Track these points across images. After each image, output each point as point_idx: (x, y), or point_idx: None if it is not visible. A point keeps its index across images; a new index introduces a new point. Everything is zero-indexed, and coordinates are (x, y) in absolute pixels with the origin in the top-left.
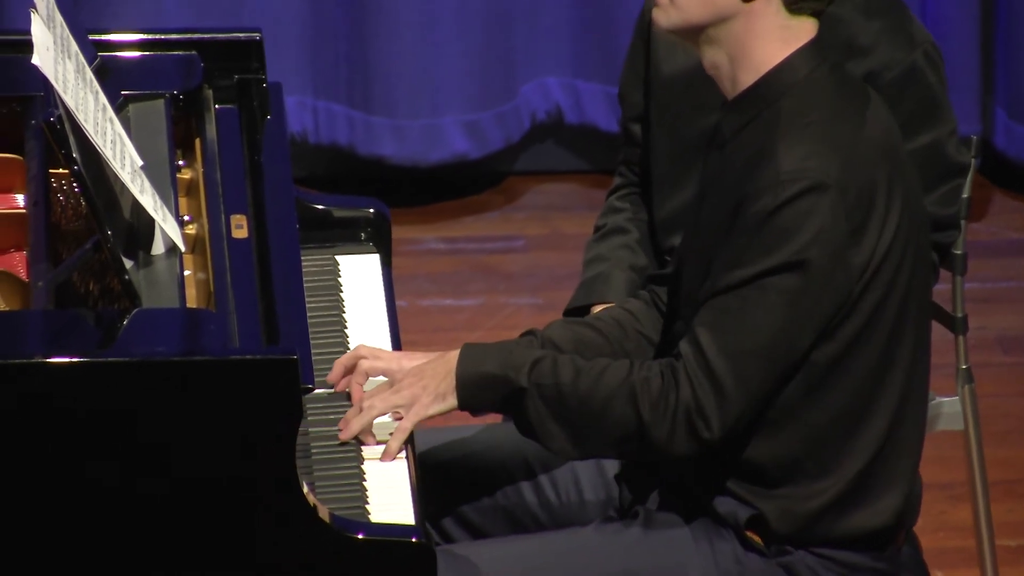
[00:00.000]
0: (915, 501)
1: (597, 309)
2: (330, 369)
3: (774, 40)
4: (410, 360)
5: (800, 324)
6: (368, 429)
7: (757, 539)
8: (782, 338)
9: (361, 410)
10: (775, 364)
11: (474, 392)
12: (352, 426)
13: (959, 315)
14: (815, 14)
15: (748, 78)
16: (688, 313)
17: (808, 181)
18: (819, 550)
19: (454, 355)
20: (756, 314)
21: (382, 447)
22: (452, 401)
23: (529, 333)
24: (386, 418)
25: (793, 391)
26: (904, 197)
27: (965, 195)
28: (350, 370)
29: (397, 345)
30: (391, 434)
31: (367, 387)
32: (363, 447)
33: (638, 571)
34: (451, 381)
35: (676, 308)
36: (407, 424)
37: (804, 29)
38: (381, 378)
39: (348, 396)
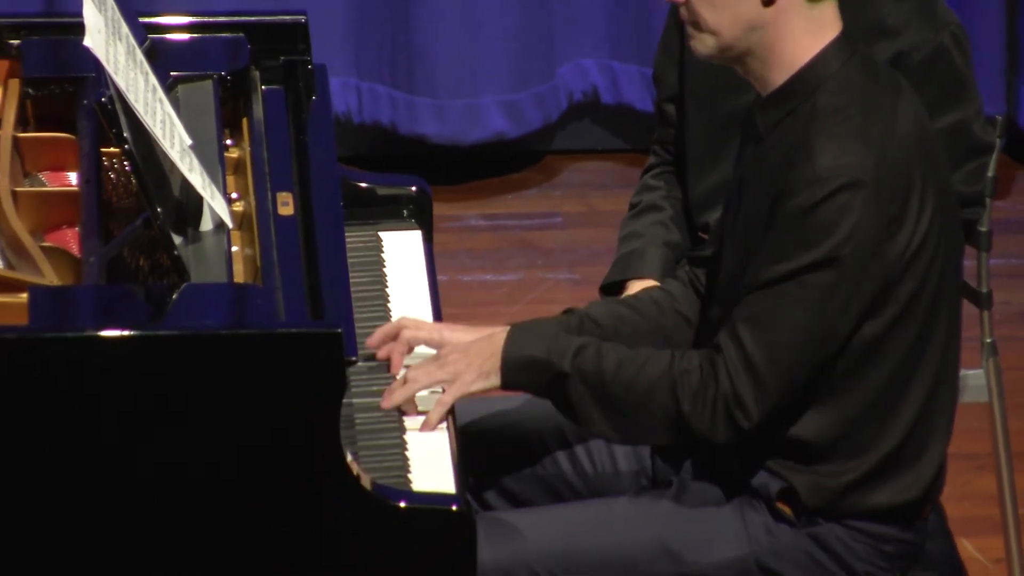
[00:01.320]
0: (941, 476)
1: (632, 284)
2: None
3: (802, 35)
4: (451, 332)
5: (836, 315)
6: (411, 400)
7: (788, 510)
8: (818, 330)
9: (405, 382)
10: (813, 355)
11: (518, 373)
12: (395, 397)
13: (984, 290)
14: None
15: (781, 76)
16: (724, 298)
17: (844, 179)
18: (848, 522)
19: (501, 336)
20: (794, 309)
21: (423, 418)
22: (495, 380)
23: (569, 311)
24: (427, 392)
25: (834, 375)
26: (937, 188)
27: (990, 174)
28: (391, 338)
29: (438, 319)
30: (433, 406)
31: (410, 359)
32: (405, 417)
33: (671, 540)
34: (496, 361)
35: (713, 291)
36: (448, 398)
37: (829, 19)
38: (423, 349)
39: (389, 367)
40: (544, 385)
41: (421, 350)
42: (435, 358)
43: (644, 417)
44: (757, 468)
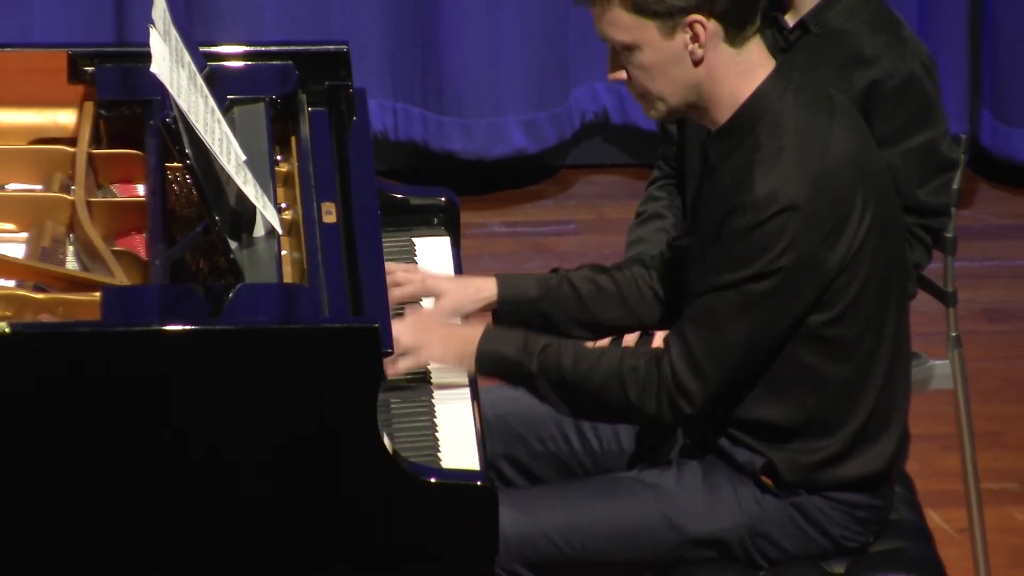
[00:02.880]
0: (904, 448)
1: None
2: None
3: (735, 78)
4: (434, 280)
5: (772, 320)
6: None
7: (771, 483)
8: (755, 332)
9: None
10: (750, 352)
11: (489, 365)
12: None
13: (950, 290)
14: (758, 32)
15: (724, 114)
16: (687, 306)
17: (780, 204)
18: (824, 492)
19: (478, 332)
20: (733, 312)
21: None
22: (469, 365)
23: (555, 270)
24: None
25: (797, 367)
26: (877, 196)
27: (955, 187)
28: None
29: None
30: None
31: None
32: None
33: (673, 512)
34: (471, 350)
35: (680, 298)
36: (413, 362)
37: (758, 59)
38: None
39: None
40: (512, 378)
41: (427, 303)
42: (418, 332)
43: (600, 406)
44: (740, 444)
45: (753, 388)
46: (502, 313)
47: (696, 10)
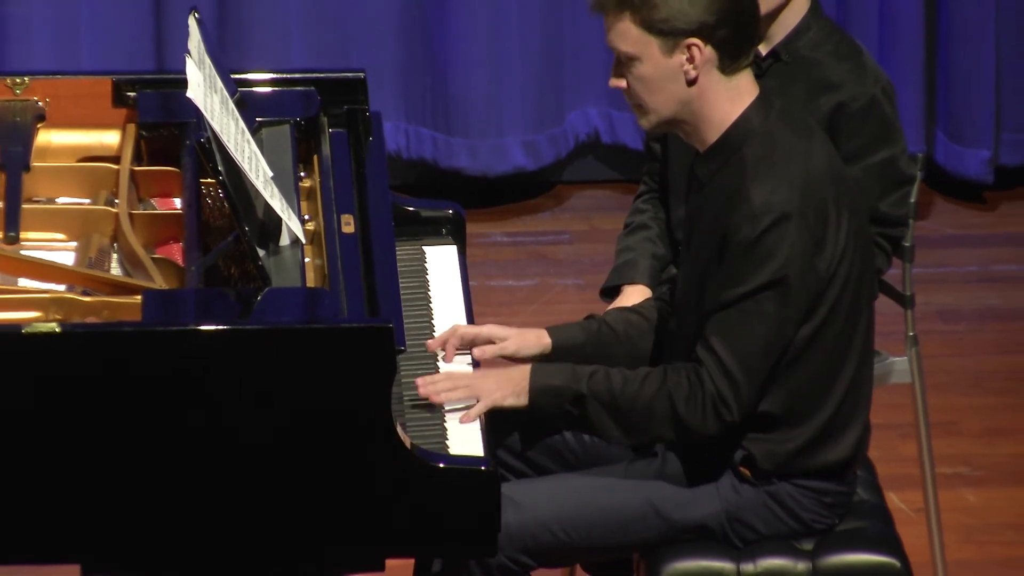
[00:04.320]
0: (866, 438)
1: (626, 288)
2: (419, 335)
3: (724, 102)
4: (493, 329)
5: (786, 322)
6: (441, 395)
7: (748, 474)
8: (775, 335)
9: (451, 383)
10: (772, 355)
11: (542, 396)
12: (431, 389)
13: (908, 293)
14: (748, 66)
15: (712, 135)
16: (680, 313)
17: (776, 213)
18: (795, 480)
19: (527, 369)
20: (754, 321)
21: (458, 413)
22: (524, 400)
23: (590, 317)
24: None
25: (779, 366)
26: (850, 210)
27: (912, 200)
28: (446, 339)
29: (470, 316)
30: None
31: (457, 364)
32: (446, 414)
33: (659, 501)
34: (524, 386)
35: (672, 308)
36: (482, 407)
37: (745, 86)
38: (464, 367)
39: (432, 356)
40: (565, 406)
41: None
42: (477, 376)
43: (648, 423)
44: (723, 441)
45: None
46: (555, 358)
47: (696, 35)
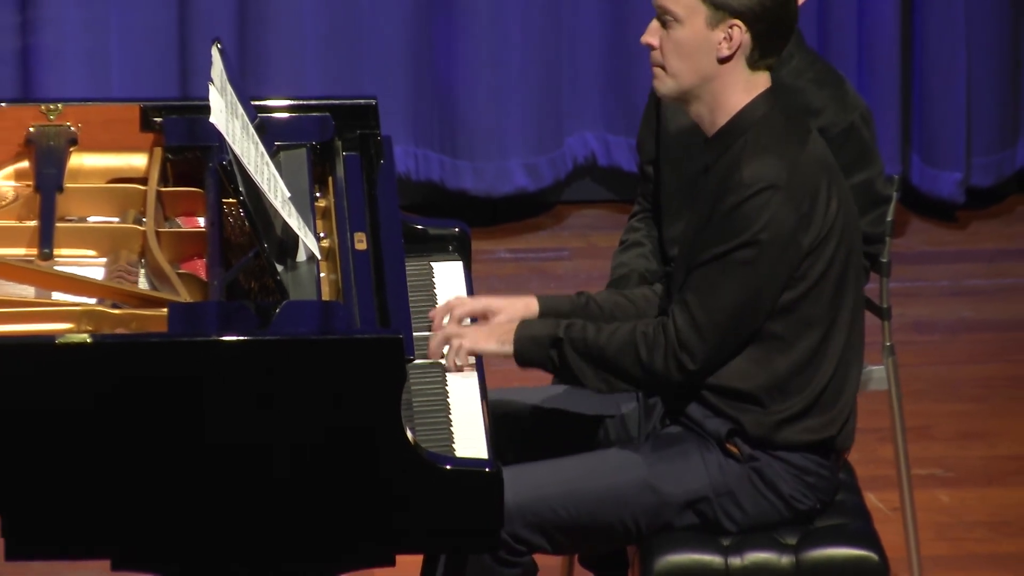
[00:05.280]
0: (852, 421)
1: None
2: (427, 346)
3: (740, 91)
4: (490, 299)
5: (758, 287)
6: (439, 350)
7: (734, 450)
8: (744, 299)
9: (447, 339)
10: (742, 314)
11: (525, 344)
12: (432, 346)
13: (885, 306)
14: (768, 68)
15: (722, 120)
16: (677, 291)
17: (763, 183)
18: (780, 454)
19: (515, 322)
20: (725, 279)
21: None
22: (508, 348)
23: (580, 293)
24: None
25: (767, 341)
26: (840, 195)
27: (889, 219)
28: (446, 312)
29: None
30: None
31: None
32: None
33: (651, 477)
34: (510, 335)
35: (670, 289)
36: (468, 347)
37: (761, 80)
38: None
39: (439, 365)
40: (546, 353)
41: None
42: (468, 328)
43: (618, 368)
44: (712, 410)
45: (733, 358)
46: None
47: (741, 18)
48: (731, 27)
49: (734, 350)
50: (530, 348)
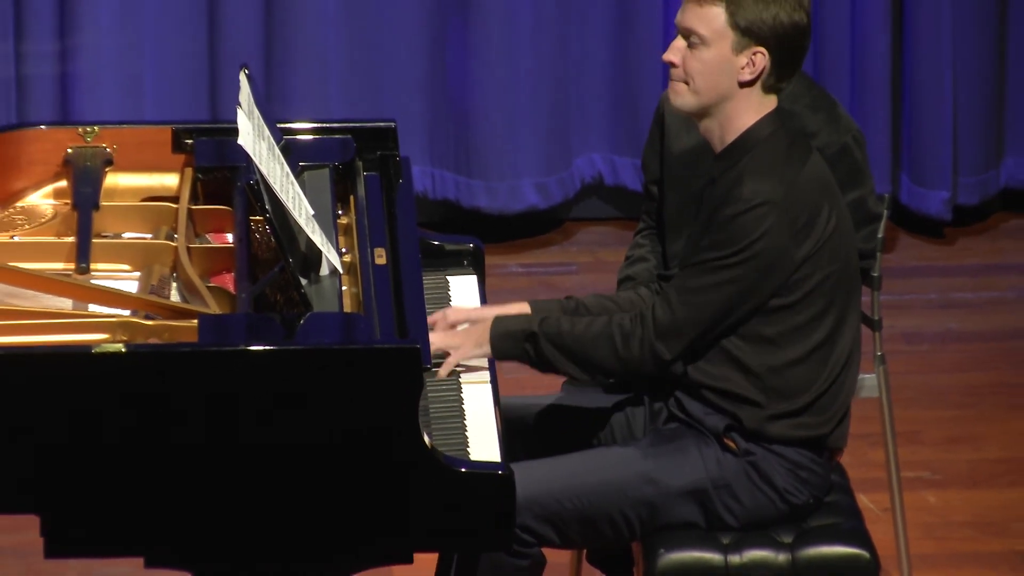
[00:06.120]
0: (845, 422)
1: None
2: (442, 356)
3: (751, 111)
4: (481, 310)
5: (740, 295)
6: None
7: (732, 444)
8: (724, 301)
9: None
10: (719, 317)
11: (502, 341)
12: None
13: (876, 318)
14: (779, 91)
15: (730, 137)
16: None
17: (760, 199)
18: (774, 447)
19: (489, 321)
20: (711, 282)
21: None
22: (486, 349)
23: (569, 297)
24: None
25: (763, 342)
26: (838, 214)
27: (880, 235)
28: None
29: None
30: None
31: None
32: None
33: (651, 471)
34: (486, 336)
35: None
36: (452, 361)
37: (770, 102)
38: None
39: (454, 374)
40: (521, 348)
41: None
42: (451, 332)
43: (595, 359)
44: (712, 407)
45: (727, 361)
46: None
47: (765, 44)
48: (755, 53)
49: (707, 347)
50: (505, 343)
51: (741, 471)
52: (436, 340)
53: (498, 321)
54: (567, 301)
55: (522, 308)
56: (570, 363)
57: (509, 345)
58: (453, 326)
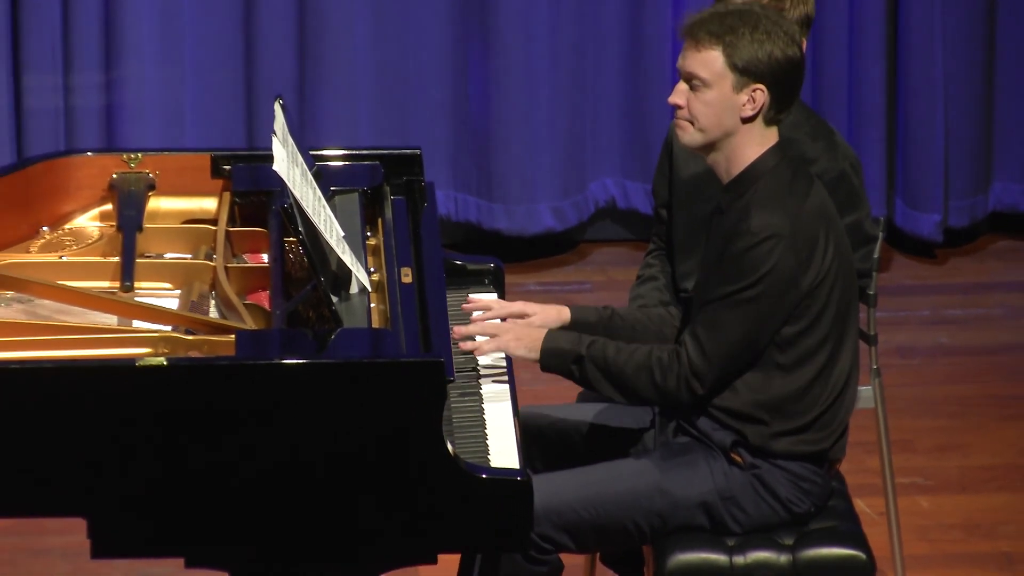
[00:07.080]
0: (844, 437)
1: None
2: (464, 368)
3: (755, 145)
4: (526, 305)
5: (760, 324)
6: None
7: (738, 459)
8: (747, 333)
9: (479, 329)
10: (744, 348)
11: (550, 356)
12: (468, 345)
13: (872, 333)
14: (779, 122)
15: (736, 169)
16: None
17: (768, 232)
18: (779, 462)
19: (544, 331)
20: (731, 316)
21: (491, 409)
22: (535, 356)
23: (606, 307)
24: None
25: (773, 367)
26: (836, 242)
27: (876, 256)
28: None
29: (509, 359)
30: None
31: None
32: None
33: (663, 482)
34: (537, 345)
35: (691, 316)
36: (494, 346)
37: (773, 135)
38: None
39: (476, 383)
40: (568, 368)
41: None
42: (503, 327)
43: (635, 387)
44: (721, 424)
45: (739, 383)
46: (570, 330)
47: (763, 81)
48: (754, 90)
49: (736, 375)
50: (554, 360)
51: (747, 484)
52: (492, 330)
53: (550, 336)
54: (603, 310)
55: (561, 311)
56: (612, 388)
57: (556, 362)
58: (497, 319)
